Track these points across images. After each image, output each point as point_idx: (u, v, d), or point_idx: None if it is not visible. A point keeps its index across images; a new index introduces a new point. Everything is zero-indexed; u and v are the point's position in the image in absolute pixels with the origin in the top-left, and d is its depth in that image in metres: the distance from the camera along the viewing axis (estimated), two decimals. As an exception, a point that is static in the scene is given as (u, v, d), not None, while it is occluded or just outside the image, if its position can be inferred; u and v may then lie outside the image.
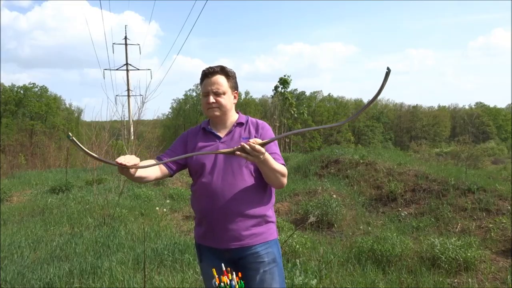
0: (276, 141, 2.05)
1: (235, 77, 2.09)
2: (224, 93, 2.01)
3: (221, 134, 2.06)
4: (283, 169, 1.92)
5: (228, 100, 2.03)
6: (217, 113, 2.02)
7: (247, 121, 2.10)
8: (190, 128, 2.21)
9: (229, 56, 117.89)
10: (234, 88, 2.08)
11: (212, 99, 1.99)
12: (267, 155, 1.80)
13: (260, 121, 2.12)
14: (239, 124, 2.08)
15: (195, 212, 2.08)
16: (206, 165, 1.97)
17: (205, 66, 2.10)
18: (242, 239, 1.94)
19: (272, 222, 2.05)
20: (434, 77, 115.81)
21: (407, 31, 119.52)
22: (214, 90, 1.99)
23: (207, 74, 2.02)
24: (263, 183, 1.99)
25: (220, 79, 2.01)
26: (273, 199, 2.09)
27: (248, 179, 1.96)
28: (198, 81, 2.13)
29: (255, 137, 2.02)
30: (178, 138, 2.16)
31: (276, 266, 1.99)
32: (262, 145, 1.72)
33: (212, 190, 1.94)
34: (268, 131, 2.07)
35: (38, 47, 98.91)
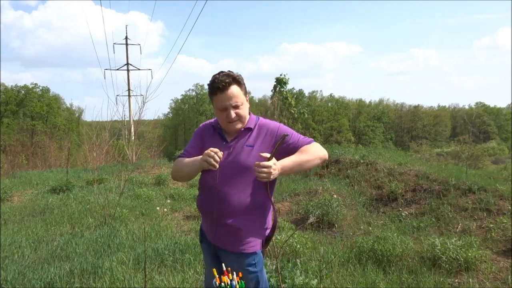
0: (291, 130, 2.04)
1: (244, 81, 1.99)
2: (242, 104, 1.93)
3: (229, 137, 2.01)
4: (312, 151, 1.93)
5: (246, 109, 1.97)
6: (239, 126, 1.95)
7: (255, 126, 2.00)
8: (203, 124, 2.15)
9: (233, 56, 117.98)
10: (246, 93, 2.00)
11: (233, 114, 1.90)
12: (284, 164, 1.83)
13: (271, 124, 2.02)
14: (246, 129, 1.99)
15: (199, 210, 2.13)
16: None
17: (209, 66, 2.11)
18: (230, 243, 1.98)
19: (266, 229, 2.04)
20: (438, 76, 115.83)
21: (411, 30, 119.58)
22: (234, 104, 1.90)
23: (221, 88, 1.89)
24: (264, 191, 1.96)
25: (235, 90, 1.91)
26: (271, 209, 2.06)
27: (250, 183, 1.94)
28: (201, 80, 2.16)
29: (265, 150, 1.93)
30: (194, 134, 2.12)
31: (259, 272, 2.01)
32: (270, 158, 1.75)
33: (213, 191, 1.97)
34: (286, 130, 1.99)
35: (42, 46, 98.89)
